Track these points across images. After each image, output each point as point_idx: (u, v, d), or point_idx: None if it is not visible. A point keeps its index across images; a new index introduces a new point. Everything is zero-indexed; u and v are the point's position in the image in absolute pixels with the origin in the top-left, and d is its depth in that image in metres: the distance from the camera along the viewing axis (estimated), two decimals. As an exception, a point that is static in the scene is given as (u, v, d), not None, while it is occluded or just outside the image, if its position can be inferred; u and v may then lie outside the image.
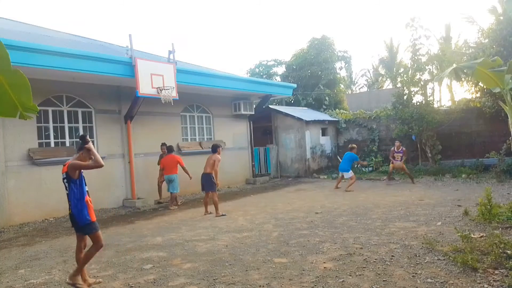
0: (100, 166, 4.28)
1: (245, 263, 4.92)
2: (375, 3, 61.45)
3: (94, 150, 4.32)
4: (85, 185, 4.40)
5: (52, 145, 9.43)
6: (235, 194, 11.92)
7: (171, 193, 10.00)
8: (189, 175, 9.90)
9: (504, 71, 6.08)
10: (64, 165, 4.35)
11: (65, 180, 4.30)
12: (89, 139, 4.42)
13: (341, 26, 65.26)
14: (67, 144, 9.72)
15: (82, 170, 4.34)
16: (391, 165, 12.77)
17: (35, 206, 8.83)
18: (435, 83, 15.57)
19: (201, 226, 7.39)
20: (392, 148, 12.88)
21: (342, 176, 12.12)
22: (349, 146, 12.44)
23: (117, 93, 10.73)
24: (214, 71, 14.42)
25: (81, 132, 10.03)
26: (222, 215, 8.35)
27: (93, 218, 4.36)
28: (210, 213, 8.62)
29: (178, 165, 9.95)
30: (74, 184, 4.28)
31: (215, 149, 8.72)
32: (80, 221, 4.28)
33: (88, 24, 71.63)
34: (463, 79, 12.70)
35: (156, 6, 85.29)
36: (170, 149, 10.11)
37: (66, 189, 4.31)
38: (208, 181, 8.55)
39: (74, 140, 9.91)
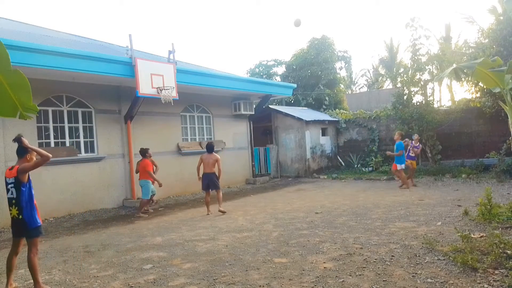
0: (49, 158, 4.27)
1: (245, 263, 4.92)
2: (375, 3, 61.47)
3: (34, 147, 4.35)
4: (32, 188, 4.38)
5: (52, 145, 9.43)
6: (235, 194, 11.93)
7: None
8: (158, 182, 9.11)
9: (504, 71, 6.08)
10: (11, 170, 4.29)
11: (11, 185, 4.24)
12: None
13: (341, 26, 65.29)
14: (67, 144, 9.72)
15: (29, 173, 4.32)
16: (409, 162, 11.58)
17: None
18: (435, 83, 15.60)
19: (201, 226, 7.39)
20: (410, 141, 12.04)
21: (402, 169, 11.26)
22: (398, 134, 11.51)
23: (117, 93, 10.73)
24: (214, 71, 14.43)
25: (81, 132, 10.04)
26: (224, 211, 8.55)
27: (41, 221, 4.40)
28: (211, 213, 8.65)
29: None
30: (24, 187, 4.24)
31: (213, 148, 8.85)
32: (30, 225, 4.25)
33: (88, 24, 71.66)
34: (463, 79, 12.68)
35: (156, 6, 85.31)
36: (141, 153, 9.29)
37: (12, 194, 4.26)
38: (213, 180, 8.69)
39: (74, 140, 9.92)
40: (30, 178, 4.37)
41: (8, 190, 4.30)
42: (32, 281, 4.66)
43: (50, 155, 4.31)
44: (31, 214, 4.27)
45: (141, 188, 9.26)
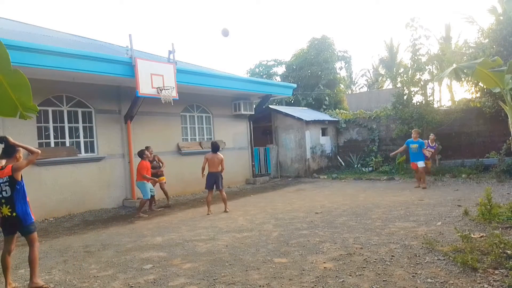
0: (39, 153, 4.45)
1: (245, 263, 4.92)
2: (375, 3, 61.47)
3: (23, 144, 4.49)
4: None
5: (52, 145, 9.43)
6: (235, 194, 11.92)
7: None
8: (155, 180, 9.40)
9: (504, 71, 6.09)
10: (2, 170, 4.33)
11: (4, 184, 4.29)
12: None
13: (341, 26, 65.29)
14: (67, 144, 9.72)
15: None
16: (426, 162, 11.24)
17: (35, 206, 8.71)
18: (435, 83, 15.57)
19: (201, 226, 7.39)
20: (426, 141, 11.63)
21: (417, 169, 10.95)
22: (415, 131, 11.16)
23: (117, 93, 10.73)
24: (214, 71, 14.43)
25: (81, 132, 10.04)
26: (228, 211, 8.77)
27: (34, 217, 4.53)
28: (212, 213, 8.69)
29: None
30: (19, 185, 4.34)
31: (218, 147, 8.97)
32: (25, 221, 4.36)
33: (88, 24, 71.65)
34: (463, 79, 12.68)
35: (156, 6, 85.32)
36: (139, 154, 9.33)
37: (5, 193, 4.30)
38: (219, 179, 8.86)
39: (74, 140, 9.92)
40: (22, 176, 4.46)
41: None
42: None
43: (39, 151, 4.47)
44: (25, 211, 4.36)
45: (140, 190, 9.29)
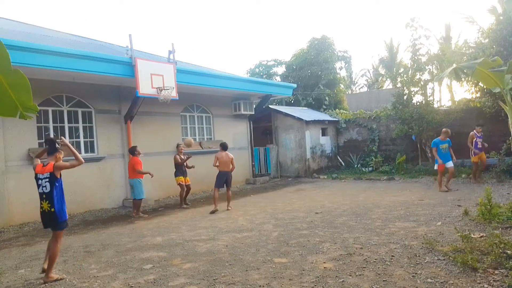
0: (82, 162, 4.80)
1: (245, 263, 4.92)
2: (375, 3, 61.47)
3: (73, 148, 4.87)
4: None
5: (52, 145, 9.42)
6: (235, 194, 11.89)
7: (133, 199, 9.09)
8: (150, 174, 8.97)
9: (504, 71, 6.08)
10: (44, 167, 4.67)
11: (45, 180, 4.61)
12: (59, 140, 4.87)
13: (341, 26, 65.30)
14: (67, 144, 9.71)
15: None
16: (473, 158, 10.88)
17: (35, 206, 8.68)
18: (435, 83, 15.56)
19: (201, 226, 7.39)
20: (472, 133, 11.07)
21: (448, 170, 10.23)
22: (445, 132, 10.28)
23: (117, 93, 10.73)
24: (214, 71, 14.42)
25: (81, 132, 10.04)
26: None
27: None
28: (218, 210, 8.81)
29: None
30: (58, 183, 4.69)
31: (227, 146, 9.29)
32: (61, 217, 4.69)
33: (88, 24, 71.66)
34: (463, 79, 12.66)
35: (156, 6, 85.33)
36: (130, 151, 9.28)
37: (43, 189, 4.63)
38: (230, 178, 9.16)
39: (74, 140, 9.92)
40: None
41: (39, 186, 4.65)
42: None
43: (83, 161, 4.84)
44: (62, 208, 4.69)
45: (132, 188, 9.01)
